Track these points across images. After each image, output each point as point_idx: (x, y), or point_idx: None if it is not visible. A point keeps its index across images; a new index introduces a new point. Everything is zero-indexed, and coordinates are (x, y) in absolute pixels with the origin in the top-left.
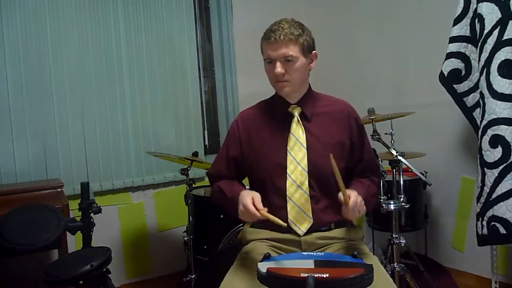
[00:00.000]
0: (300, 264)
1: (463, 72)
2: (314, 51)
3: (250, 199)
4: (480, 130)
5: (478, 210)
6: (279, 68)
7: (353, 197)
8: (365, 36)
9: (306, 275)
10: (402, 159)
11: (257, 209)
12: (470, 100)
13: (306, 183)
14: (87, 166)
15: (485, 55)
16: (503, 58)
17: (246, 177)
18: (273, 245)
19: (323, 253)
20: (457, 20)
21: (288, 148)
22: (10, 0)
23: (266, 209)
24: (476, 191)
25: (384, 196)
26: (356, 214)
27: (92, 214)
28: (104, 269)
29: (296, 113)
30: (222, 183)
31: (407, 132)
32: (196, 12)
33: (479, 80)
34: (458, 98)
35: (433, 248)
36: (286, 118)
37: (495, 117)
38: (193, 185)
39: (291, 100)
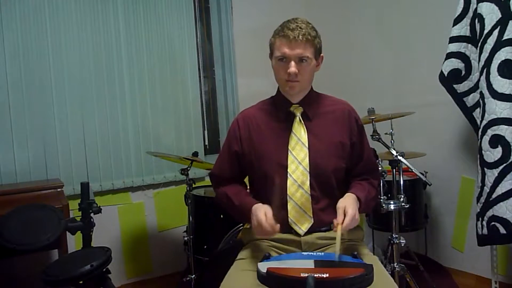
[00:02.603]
0: (300, 264)
1: (463, 72)
2: (321, 54)
3: (263, 215)
4: (480, 130)
5: (478, 210)
6: (293, 68)
7: (347, 220)
8: (365, 36)
9: (306, 275)
10: (402, 159)
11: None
12: (470, 100)
13: (307, 183)
14: (87, 166)
15: (485, 55)
16: (503, 58)
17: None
18: (273, 245)
19: (323, 253)
20: (457, 20)
21: (289, 148)
22: (10, 0)
23: (278, 225)
24: (476, 191)
25: (384, 196)
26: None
27: (92, 214)
28: (104, 269)
29: (298, 113)
30: (227, 188)
31: (407, 132)
32: (196, 12)
33: (479, 80)
34: (458, 98)
35: (433, 248)
36: (287, 117)
37: (495, 117)
38: (193, 185)
39: (293, 100)
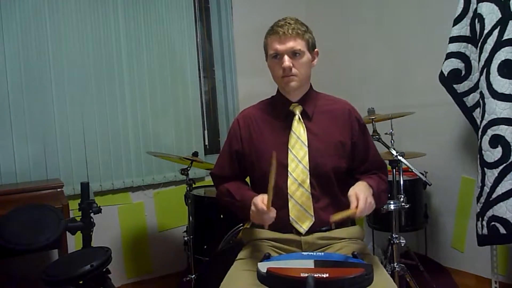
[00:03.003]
0: (300, 264)
1: (463, 72)
2: (316, 49)
3: (260, 200)
4: (480, 130)
5: (478, 210)
6: (287, 62)
7: (361, 204)
8: (365, 36)
9: (306, 275)
10: (402, 159)
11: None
12: (470, 100)
13: (308, 181)
14: (87, 166)
15: (485, 55)
16: (503, 58)
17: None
18: (273, 245)
19: (323, 253)
20: (457, 20)
21: (289, 147)
22: (10, 0)
23: (274, 210)
24: (476, 191)
25: None
26: (364, 214)
27: (92, 214)
28: (104, 269)
29: (298, 112)
30: (229, 185)
31: (407, 132)
32: (196, 12)
33: (479, 80)
34: (458, 98)
35: (433, 248)
36: (287, 116)
37: (495, 117)
38: (193, 185)
39: (292, 99)
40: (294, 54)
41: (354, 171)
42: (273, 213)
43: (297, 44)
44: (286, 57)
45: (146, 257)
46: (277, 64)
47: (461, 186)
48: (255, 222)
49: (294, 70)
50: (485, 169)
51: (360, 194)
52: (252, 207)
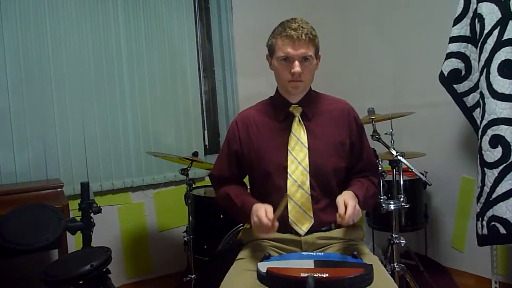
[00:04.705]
0: (300, 264)
1: (463, 72)
2: (319, 53)
3: (263, 212)
4: (480, 130)
5: (478, 210)
6: (298, 67)
7: (349, 210)
8: (365, 36)
9: (306, 275)
10: (402, 159)
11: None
12: (470, 100)
13: (308, 183)
14: (87, 166)
15: (485, 55)
16: (503, 58)
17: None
18: (273, 245)
19: (323, 253)
20: (457, 20)
21: (289, 148)
22: (10, 0)
23: (277, 223)
24: (476, 191)
25: (384, 196)
26: (351, 223)
27: (92, 214)
28: (104, 269)
29: (297, 113)
30: (228, 188)
31: (407, 132)
32: (196, 12)
33: (479, 80)
34: (458, 98)
35: (433, 248)
36: (287, 118)
37: (495, 117)
38: (193, 185)
39: (292, 100)
40: (304, 59)
41: (349, 170)
42: (275, 227)
43: (309, 50)
44: (296, 63)
45: (146, 257)
46: (285, 68)
47: (461, 186)
48: (256, 233)
49: (302, 76)
50: (485, 169)
51: (349, 201)
52: (255, 219)
